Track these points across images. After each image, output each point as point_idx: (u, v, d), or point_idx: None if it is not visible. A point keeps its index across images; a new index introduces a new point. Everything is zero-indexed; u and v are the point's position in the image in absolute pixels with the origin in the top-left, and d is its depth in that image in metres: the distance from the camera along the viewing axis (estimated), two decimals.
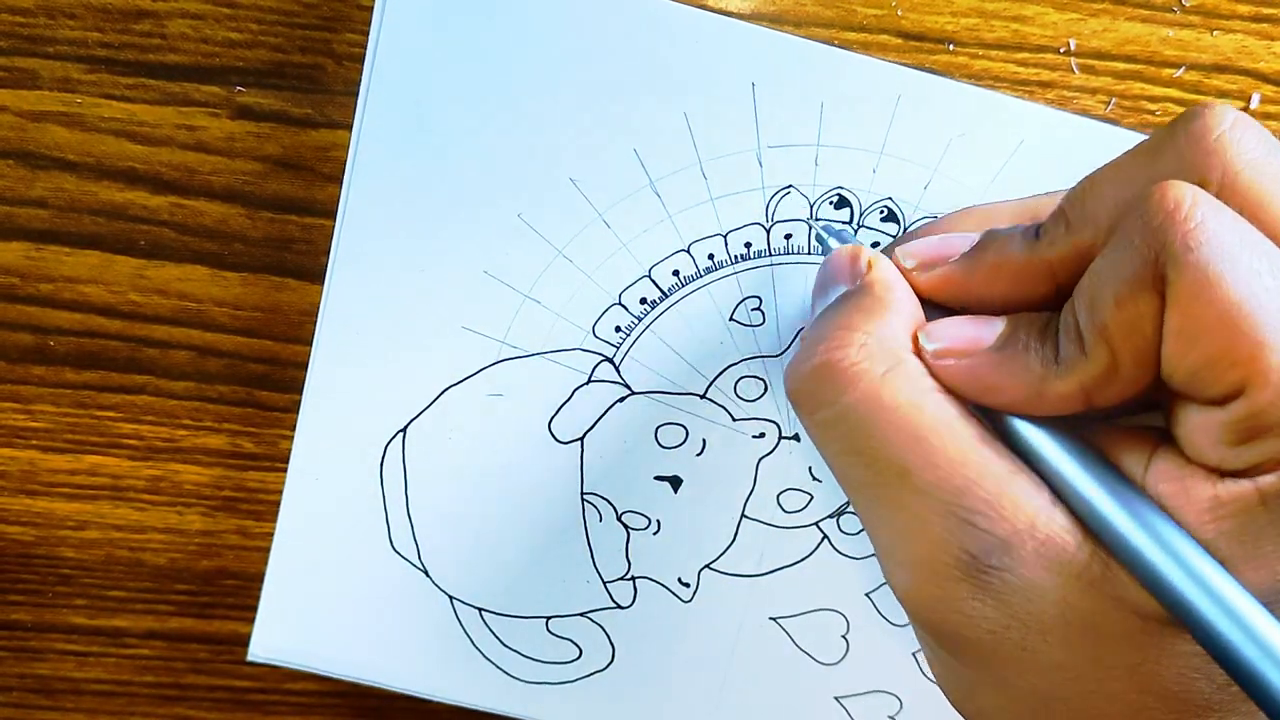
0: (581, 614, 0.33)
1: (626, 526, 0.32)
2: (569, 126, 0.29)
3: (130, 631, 0.35)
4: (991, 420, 0.24)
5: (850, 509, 0.32)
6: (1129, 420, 0.24)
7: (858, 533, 0.32)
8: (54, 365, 0.32)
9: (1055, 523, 0.22)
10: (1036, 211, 0.27)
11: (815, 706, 0.34)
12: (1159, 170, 0.22)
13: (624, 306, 0.31)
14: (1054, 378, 0.22)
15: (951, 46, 0.31)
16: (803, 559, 0.33)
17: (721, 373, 0.31)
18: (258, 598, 0.32)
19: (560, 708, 0.33)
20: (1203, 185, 0.22)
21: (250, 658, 0.32)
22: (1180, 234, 0.20)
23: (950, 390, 0.24)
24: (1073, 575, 0.22)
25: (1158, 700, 0.22)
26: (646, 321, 0.31)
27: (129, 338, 0.32)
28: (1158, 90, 0.31)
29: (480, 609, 0.32)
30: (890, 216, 0.30)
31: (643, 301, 0.31)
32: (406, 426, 0.31)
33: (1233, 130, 0.22)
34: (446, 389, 0.31)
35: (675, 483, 0.32)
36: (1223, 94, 0.32)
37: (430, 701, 0.36)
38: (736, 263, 0.30)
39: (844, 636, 0.33)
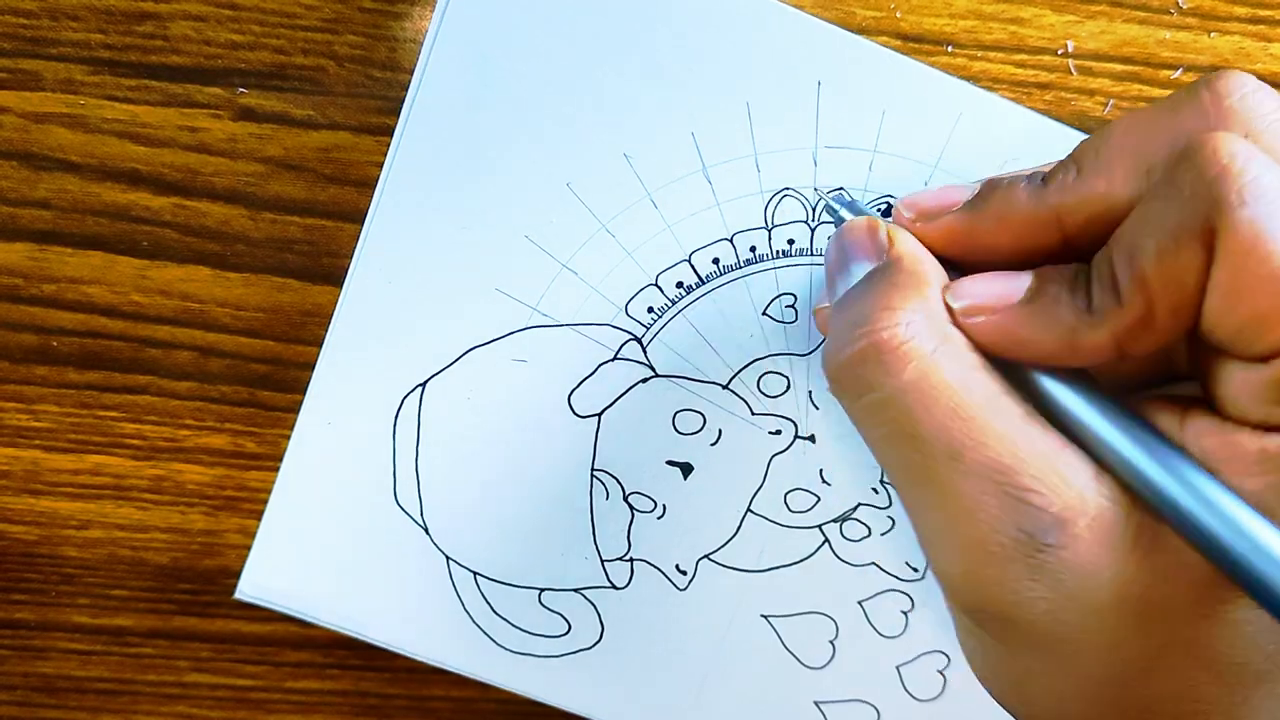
0: (575, 589, 0.33)
1: (632, 508, 0.32)
2: (630, 102, 0.29)
3: (133, 630, 0.35)
4: (1028, 392, 0.23)
5: (854, 515, 0.32)
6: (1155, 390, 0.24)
7: (860, 539, 0.32)
8: (57, 365, 0.32)
9: (1104, 495, 0.22)
10: None
11: (794, 709, 0.34)
12: (1182, 124, 0.22)
13: (659, 288, 0.31)
14: (1086, 327, 0.22)
15: (950, 48, 0.31)
16: (802, 560, 0.33)
17: (747, 365, 0.31)
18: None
19: (542, 682, 0.33)
20: None
21: (237, 595, 0.32)
22: (1235, 187, 0.20)
23: (981, 348, 0.23)
24: (1125, 548, 0.22)
25: (1211, 675, 0.22)
26: (680, 306, 0.31)
27: (131, 338, 0.32)
28: (1155, 92, 0.31)
29: (476, 573, 0.32)
30: None
31: (679, 285, 0.31)
32: (427, 381, 0.31)
33: (1255, 94, 0.22)
34: (472, 349, 0.31)
35: (686, 469, 0.32)
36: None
37: (430, 700, 0.36)
38: (777, 258, 0.30)
39: (832, 642, 0.33)
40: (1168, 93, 0.31)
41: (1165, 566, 0.22)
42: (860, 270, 0.25)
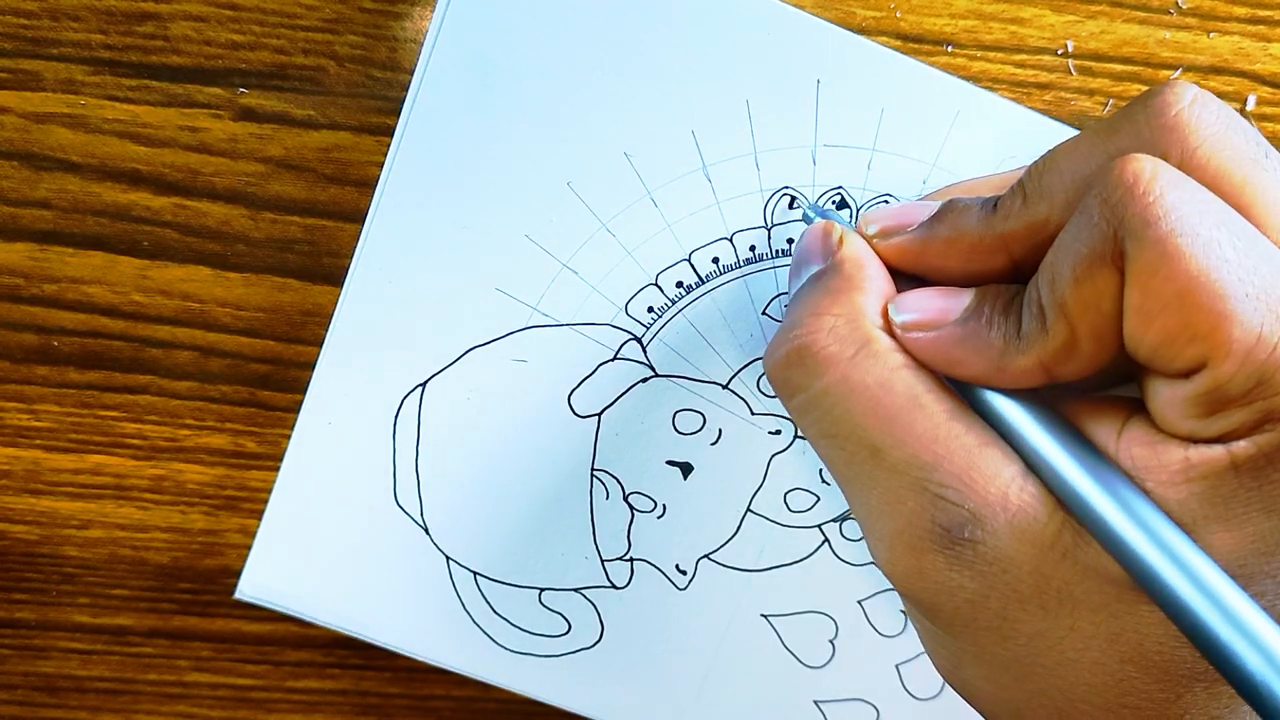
0: (575, 589, 0.33)
1: (632, 507, 0.32)
2: (630, 101, 0.29)
3: (134, 630, 0.35)
4: (965, 392, 0.24)
5: (854, 515, 0.32)
6: (1108, 390, 0.24)
7: (859, 539, 0.32)
8: (58, 365, 0.32)
9: (1026, 494, 0.22)
10: None
11: (794, 707, 0.34)
12: (1117, 146, 0.22)
13: (659, 288, 0.31)
14: (1014, 352, 0.23)
15: (950, 48, 0.31)
16: (801, 559, 0.33)
17: (746, 365, 0.31)
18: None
19: (542, 681, 0.33)
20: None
21: (238, 595, 0.32)
22: (1138, 208, 0.20)
23: (919, 363, 0.24)
24: (1045, 545, 0.22)
25: (1139, 669, 0.22)
26: (680, 305, 0.31)
27: (132, 338, 0.32)
28: None
29: (476, 573, 0.33)
30: None
31: (679, 285, 0.31)
32: (427, 381, 0.31)
33: (1192, 106, 0.22)
34: (472, 349, 0.31)
35: (686, 469, 0.32)
36: (1220, 95, 0.32)
37: (431, 700, 0.36)
38: (777, 257, 0.30)
39: (831, 641, 0.33)
40: None
41: (1085, 566, 0.22)
42: (809, 273, 0.26)
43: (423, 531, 0.32)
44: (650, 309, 0.31)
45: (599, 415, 0.31)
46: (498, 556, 0.32)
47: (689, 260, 0.30)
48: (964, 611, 0.23)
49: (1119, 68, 0.31)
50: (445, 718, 0.36)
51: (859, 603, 0.33)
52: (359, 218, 0.30)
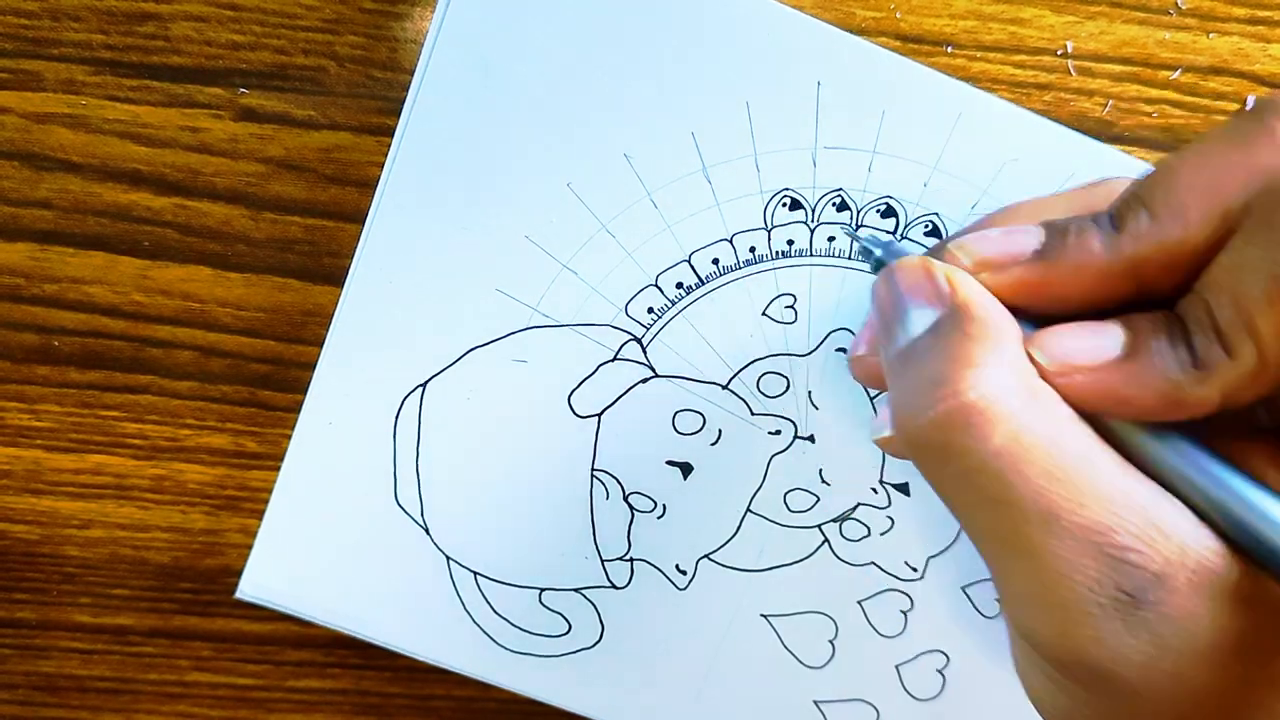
0: (576, 589, 0.33)
1: (632, 507, 0.32)
2: (630, 102, 0.29)
3: (134, 629, 0.35)
4: (1115, 440, 0.22)
5: (854, 515, 0.32)
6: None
7: (859, 539, 0.32)
8: (59, 365, 0.32)
9: (1204, 545, 0.21)
10: (1090, 203, 0.25)
11: (794, 708, 0.34)
12: (1257, 159, 0.21)
13: (659, 288, 0.31)
14: (1193, 382, 0.21)
15: (950, 49, 0.31)
16: (801, 559, 0.33)
17: (746, 366, 0.31)
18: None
19: (542, 681, 0.33)
20: None
21: (239, 595, 0.32)
22: None
23: (1074, 405, 0.22)
24: (1225, 597, 0.21)
25: None
26: (680, 306, 0.31)
27: (133, 338, 0.32)
28: (1154, 92, 0.32)
29: (476, 573, 0.33)
30: (934, 232, 0.30)
31: (679, 286, 0.31)
32: (427, 382, 0.31)
33: None
34: (472, 349, 0.31)
35: (686, 469, 0.32)
36: (1219, 96, 0.32)
37: (431, 699, 0.36)
38: (777, 259, 0.30)
39: (831, 641, 0.33)
40: (1166, 94, 0.32)
41: (1265, 610, 0.21)
42: (920, 317, 0.23)
43: (423, 531, 0.32)
44: (650, 310, 0.31)
45: (599, 415, 0.31)
46: (498, 556, 0.32)
47: (689, 261, 0.30)
48: (1134, 676, 0.21)
49: (1118, 68, 0.31)
50: (445, 718, 0.36)
51: (859, 603, 0.33)
52: (359, 218, 0.30)
